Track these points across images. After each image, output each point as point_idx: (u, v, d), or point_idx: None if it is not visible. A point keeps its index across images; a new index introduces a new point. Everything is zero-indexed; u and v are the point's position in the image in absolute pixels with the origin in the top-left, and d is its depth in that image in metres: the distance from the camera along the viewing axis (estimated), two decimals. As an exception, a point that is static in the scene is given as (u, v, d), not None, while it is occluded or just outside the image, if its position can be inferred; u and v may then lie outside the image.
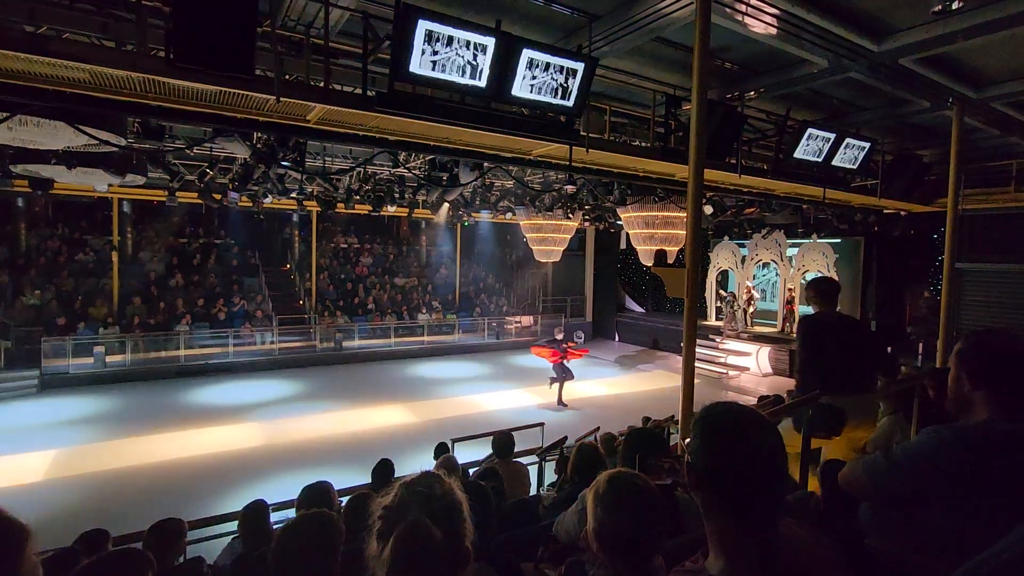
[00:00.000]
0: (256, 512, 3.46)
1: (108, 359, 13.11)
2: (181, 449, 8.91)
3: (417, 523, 0.96)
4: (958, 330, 10.52)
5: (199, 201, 10.37)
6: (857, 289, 15.55)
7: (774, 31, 5.30)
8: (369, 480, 4.88)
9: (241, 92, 4.26)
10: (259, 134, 6.14)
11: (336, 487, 3.58)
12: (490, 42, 4.34)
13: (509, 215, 13.34)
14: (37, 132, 4.91)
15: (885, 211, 11.68)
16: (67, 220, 17.15)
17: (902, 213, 11.84)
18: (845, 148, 7.61)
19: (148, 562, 2.05)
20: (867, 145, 7.83)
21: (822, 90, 7.37)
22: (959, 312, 11.42)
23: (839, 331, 3.38)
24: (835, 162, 7.67)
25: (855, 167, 8.03)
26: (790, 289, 16.52)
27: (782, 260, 16.97)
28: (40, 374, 12.23)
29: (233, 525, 4.36)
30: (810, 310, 3.72)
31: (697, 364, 5.52)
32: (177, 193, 10.26)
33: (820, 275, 3.63)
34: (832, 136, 7.34)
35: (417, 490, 1.01)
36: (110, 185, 9.13)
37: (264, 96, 4.31)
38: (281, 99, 4.27)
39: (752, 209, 11.47)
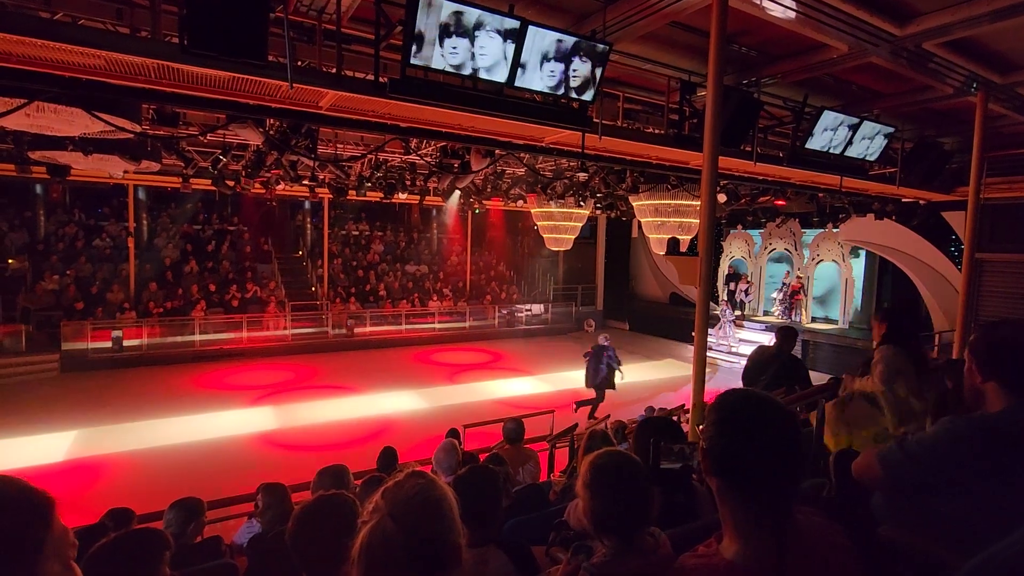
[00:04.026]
0: (271, 493, 3.53)
1: (125, 343, 13.37)
2: (197, 432, 9.08)
3: (376, 527, 0.96)
4: (976, 321, 10.36)
5: (212, 188, 10.45)
6: (873, 281, 15.34)
7: (793, 15, 5.18)
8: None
9: (254, 78, 4.26)
10: (272, 121, 6.16)
11: (350, 471, 3.64)
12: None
13: (520, 203, 13.30)
14: (54, 119, 4.96)
15: (903, 200, 11.47)
16: (84, 207, 17.41)
17: (921, 202, 11.62)
18: (864, 135, 7.46)
19: (165, 541, 2.10)
20: (887, 132, 7.66)
21: (841, 76, 7.21)
22: (978, 303, 11.24)
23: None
24: (853, 150, 7.53)
25: (874, 155, 7.87)
26: (799, 278, 16.38)
27: (796, 249, 16.79)
28: (60, 357, 12.50)
29: (248, 506, 4.46)
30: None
31: (708, 353, 5.51)
32: (191, 180, 10.35)
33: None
34: (851, 123, 7.19)
35: (389, 492, 1.01)
36: (125, 172, 9.22)
37: (277, 82, 4.31)
38: (294, 85, 4.27)
39: (766, 197, 11.32)
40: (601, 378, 10.18)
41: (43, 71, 4.09)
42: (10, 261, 14.55)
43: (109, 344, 13.14)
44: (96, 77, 4.25)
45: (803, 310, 16.22)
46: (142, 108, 5.72)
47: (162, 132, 6.74)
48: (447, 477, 3.13)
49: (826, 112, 6.93)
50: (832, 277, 16.28)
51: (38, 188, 15.84)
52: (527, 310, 19.67)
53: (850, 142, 7.40)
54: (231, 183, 9.92)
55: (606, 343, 10.41)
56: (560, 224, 12.75)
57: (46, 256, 15.00)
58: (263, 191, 11.58)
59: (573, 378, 13.48)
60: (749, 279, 17.21)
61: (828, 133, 7.12)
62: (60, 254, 15.26)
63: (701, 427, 1.08)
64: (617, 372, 10.33)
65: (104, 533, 2.70)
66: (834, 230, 14.60)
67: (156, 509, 4.14)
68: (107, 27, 4.79)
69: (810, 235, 16.55)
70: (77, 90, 4.35)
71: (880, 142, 7.73)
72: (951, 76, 6.69)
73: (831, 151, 7.34)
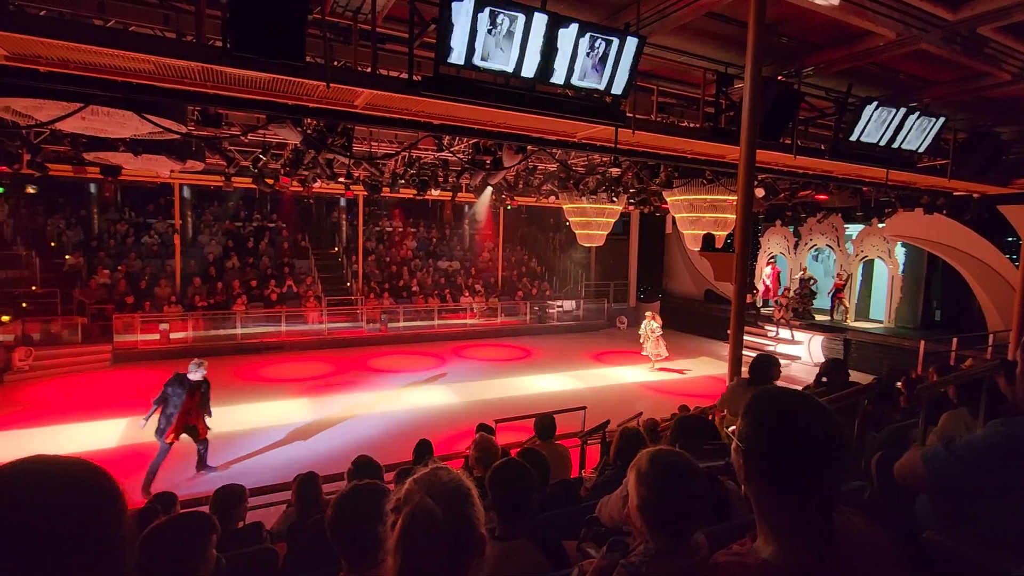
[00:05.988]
0: (308, 482, 3.65)
1: (172, 336, 13.95)
2: (239, 422, 9.41)
3: (418, 505, 0.99)
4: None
5: (253, 186, 10.78)
6: (921, 278, 14.69)
7: (836, 1, 5.00)
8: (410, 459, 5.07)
9: (293, 79, 4.38)
10: (309, 120, 6.32)
11: (381, 463, 3.73)
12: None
13: (552, 198, 13.26)
14: (107, 121, 5.22)
15: (955, 193, 10.93)
16: (134, 205, 18.24)
17: (975, 195, 11.04)
18: (912, 126, 7.13)
19: (213, 524, 2.20)
20: (937, 122, 7.31)
21: (888, 64, 6.91)
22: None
23: None
24: (900, 141, 7.21)
25: (923, 146, 7.52)
26: (839, 275, 15.81)
27: (839, 245, 16.21)
28: (112, 348, 13.15)
29: (287, 494, 4.61)
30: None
31: (745, 353, 5.38)
32: (232, 178, 10.71)
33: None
34: (898, 113, 6.89)
35: (421, 479, 1.04)
36: (172, 171, 9.63)
37: (314, 82, 4.42)
38: (331, 85, 4.37)
39: (807, 192, 10.97)
40: (163, 424, 6.74)
41: (98, 76, 4.30)
42: (67, 257, 15.38)
43: (157, 336, 13.74)
44: (146, 81, 4.44)
45: (846, 308, 15.63)
46: (187, 110, 5.95)
47: (206, 133, 7.01)
48: (483, 472, 3.17)
49: (872, 103, 6.66)
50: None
51: (92, 188, 16.69)
52: (559, 306, 19.60)
53: (897, 133, 7.10)
54: (270, 181, 10.22)
55: (199, 368, 7.00)
56: (592, 220, 12.66)
57: (99, 252, 15.79)
58: (301, 188, 11.88)
59: (605, 375, 13.43)
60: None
61: (873, 124, 6.85)
62: (112, 251, 16.04)
63: (733, 428, 1.06)
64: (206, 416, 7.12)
65: (155, 515, 2.85)
66: (879, 225, 14.01)
67: (202, 492, 4.34)
68: (155, 32, 5.00)
69: (854, 230, 15.95)
70: (129, 93, 4.56)
71: (930, 133, 7.38)
72: (1009, 62, 6.34)
73: (877, 143, 7.05)
